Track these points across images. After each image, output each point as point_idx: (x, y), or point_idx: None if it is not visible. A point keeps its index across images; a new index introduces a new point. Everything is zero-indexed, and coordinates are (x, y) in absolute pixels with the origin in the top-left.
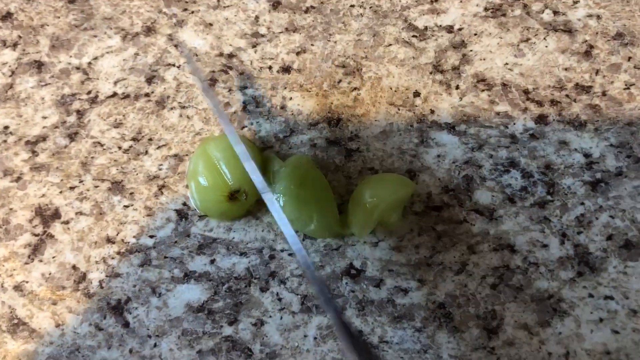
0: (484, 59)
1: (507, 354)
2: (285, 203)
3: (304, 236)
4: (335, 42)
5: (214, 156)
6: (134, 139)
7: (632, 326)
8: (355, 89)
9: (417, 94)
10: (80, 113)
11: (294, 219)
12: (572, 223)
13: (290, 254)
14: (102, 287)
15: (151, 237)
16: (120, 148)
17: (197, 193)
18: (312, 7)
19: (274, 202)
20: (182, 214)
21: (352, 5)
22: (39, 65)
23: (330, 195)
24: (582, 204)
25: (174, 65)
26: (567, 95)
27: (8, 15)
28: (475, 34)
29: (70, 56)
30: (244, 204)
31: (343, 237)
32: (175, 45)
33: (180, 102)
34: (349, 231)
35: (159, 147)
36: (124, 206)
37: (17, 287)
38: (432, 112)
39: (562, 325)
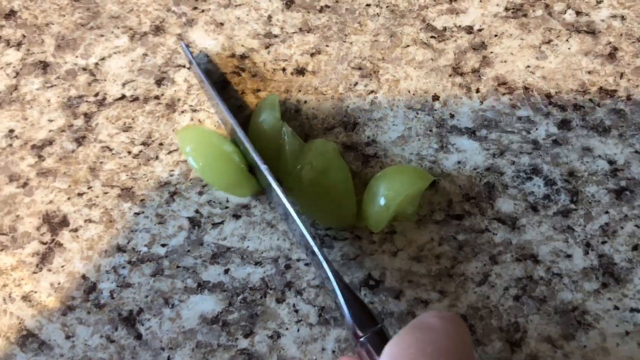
0: (505, 61)
1: None
2: (304, 187)
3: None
4: (351, 43)
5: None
6: (143, 144)
7: None
8: (372, 91)
9: (436, 98)
10: (87, 116)
11: (311, 205)
12: (596, 232)
13: (306, 264)
14: (113, 298)
15: (163, 245)
16: (129, 153)
17: (206, 160)
18: (327, 6)
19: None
20: (195, 222)
21: (368, 5)
22: (44, 66)
23: (351, 186)
24: (607, 212)
25: (184, 66)
26: (590, 100)
27: (12, 14)
28: (496, 35)
29: (77, 56)
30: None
31: (355, 228)
32: (187, 45)
33: (191, 105)
34: (364, 224)
35: (169, 152)
36: (135, 213)
37: (26, 297)
38: (452, 116)
39: (586, 338)
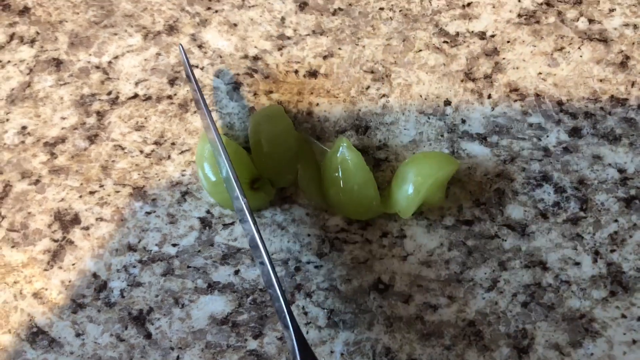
0: (517, 68)
1: None
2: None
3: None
4: (364, 46)
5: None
6: (156, 143)
7: None
8: (383, 95)
9: (447, 103)
10: (100, 114)
11: (339, 201)
12: (605, 241)
13: (316, 267)
14: (123, 297)
15: (174, 245)
16: (142, 152)
17: (209, 179)
18: (340, 9)
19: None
20: (206, 222)
21: (382, 8)
22: (57, 64)
23: (370, 175)
24: (616, 221)
25: (197, 66)
26: (601, 108)
27: (25, 10)
28: (508, 42)
29: (90, 54)
30: (266, 196)
31: (384, 215)
32: (199, 47)
33: None
34: (393, 210)
35: (181, 152)
36: (146, 212)
37: (36, 295)
38: (464, 121)
39: (594, 346)
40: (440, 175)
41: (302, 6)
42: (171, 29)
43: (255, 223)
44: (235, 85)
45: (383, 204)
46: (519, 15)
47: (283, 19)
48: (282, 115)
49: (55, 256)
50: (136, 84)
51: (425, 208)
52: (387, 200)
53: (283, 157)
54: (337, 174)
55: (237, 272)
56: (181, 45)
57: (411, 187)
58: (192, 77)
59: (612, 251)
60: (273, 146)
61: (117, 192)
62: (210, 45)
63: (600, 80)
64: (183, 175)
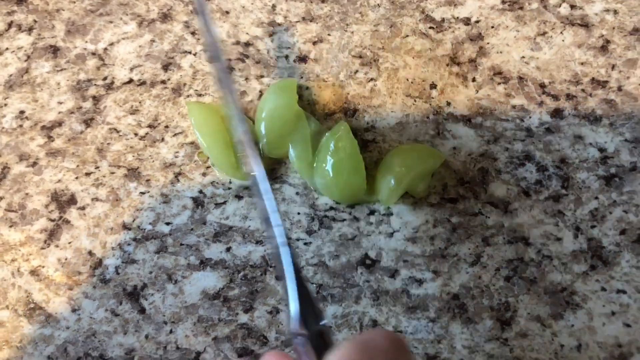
0: (501, 52)
1: (519, 345)
2: (320, 168)
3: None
4: (352, 32)
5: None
6: (150, 126)
7: None
8: (371, 79)
9: (433, 86)
10: (96, 99)
11: (324, 182)
12: (586, 217)
13: (305, 244)
14: (118, 273)
15: (167, 224)
16: (136, 135)
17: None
18: None
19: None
20: (199, 202)
21: None
22: (54, 50)
23: (360, 163)
24: (596, 198)
25: (190, 52)
26: (582, 90)
27: (23, 0)
28: (492, 27)
29: (86, 41)
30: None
31: (368, 203)
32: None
33: (196, 90)
34: (375, 198)
35: (175, 135)
36: (140, 193)
37: (34, 272)
38: (449, 104)
39: (574, 317)
40: (423, 168)
41: None
42: (165, 17)
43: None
44: (228, 70)
45: (367, 191)
46: (503, 2)
47: (274, 6)
48: (291, 89)
49: (52, 235)
50: (131, 69)
51: (408, 197)
52: (371, 188)
53: (279, 128)
54: (330, 157)
55: (228, 249)
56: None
57: (394, 178)
58: (212, 37)
59: (593, 227)
60: (272, 117)
61: (112, 173)
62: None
63: (582, 64)
64: (176, 156)
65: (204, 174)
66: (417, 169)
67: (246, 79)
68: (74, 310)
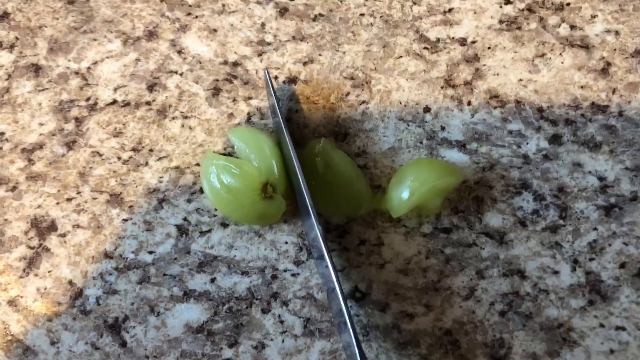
0: (498, 74)
1: None
2: (317, 187)
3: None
4: (344, 52)
5: (240, 149)
6: (134, 150)
7: None
8: (363, 102)
9: (427, 110)
10: (78, 120)
11: (328, 201)
12: (584, 249)
13: (293, 275)
14: (99, 304)
15: (150, 252)
16: (119, 159)
17: (219, 196)
18: (321, 14)
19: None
20: (183, 230)
21: (362, 14)
22: (36, 69)
23: (357, 172)
24: (595, 229)
25: (176, 72)
26: (582, 115)
27: (5, 16)
28: (489, 48)
29: (69, 60)
30: (280, 204)
31: (375, 212)
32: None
33: (182, 112)
34: (385, 207)
35: (159, 159)
36: (123, 220)
37: (12, 302)
38: (443, 128)
39: (571, 355)
40: (438, 184)
41: (283, 12)
42: (151, 35)
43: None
44: (215, 92)
45: (376, 200)
46: (501, 22)
47: (263, 24)
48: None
49: (31, 263)
50: (115, 89)
51: (414, 213)
52: (381, 196)
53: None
54: (322, 172)
55: (213, 280)
56: (266, 71)
57: (407, 190)
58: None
59: (591, 260)
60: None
61: (94, 199)
62: (190, 50)
63: (581, 87)
64: (160, 182)
65: (188, 200)
66: (431, 184)
67: (234, 100)
68: (52, 343)
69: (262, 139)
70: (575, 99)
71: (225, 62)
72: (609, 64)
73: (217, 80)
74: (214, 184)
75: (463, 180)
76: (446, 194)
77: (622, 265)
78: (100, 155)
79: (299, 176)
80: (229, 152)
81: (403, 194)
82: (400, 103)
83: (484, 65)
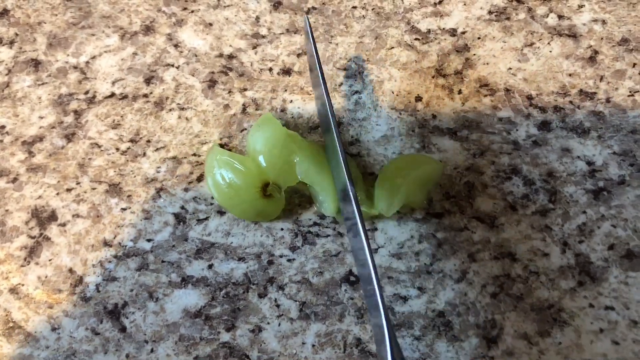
0: (487, 64)
1: None
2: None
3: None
4: (337, 44)
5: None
6: (131, 141)
7: (632, 337)
8: (356, 92)
9: (419, 99)
10: (77, 113)
11: (323, 201)
12: (573, 232)
13: (289, 260)
14: (98, 291)
15: (149, 240)
16: (117, 150)
17: (221, 190)
18: (314, 8)
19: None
20: (180, 218)
21: (354, 7)
22: (35, 64)
23: (358, 173)
24: (584, 212)
25: (172, 65)
26: (570, 102)
27: (4, 12)
28: (479, 38)
29: (68, 55)
30: (280, 202)
31: (370, 217)
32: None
33: (179, 104)
34: (376, 211)
35: (157, 150)
36: (122, 209)
37: (13, 290)
38: (434, 117)
39: (562, 335)
40: (421, 176)
41: (276, 5)
42: (147, 29)
43: (365, 232)
44: (210, 84)
45: (366, 205)
46: (490, 12)
47: (257, 18)
48: (272, 120)
49: (32, 252)
50: (113, 83)
51: (406, 209)
52: (369, 203)
53: (279, 155)
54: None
55: (210, 267)
56: (307, 17)
57: (392, 188)
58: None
59: (581, 242)
60: (269, 146)
61: (94, 189)
62: (186, 44)
63: (570, 75)
64: (158, 172)
65: (185, 189)
66: (414, 177)
67: (229, 92)
68: (53, 329)
69: (278, 138)
70: (564, 87)
71: (221, 55)
72: (596, 52)
73: (212, 72)
74: (217, 178)
75: (454, 167)
76: (429, 187)
77: (611, 247)
78: (99, 146)
79: (335, 136)
80: (225, 143)
81: (389, 192)
82: (393, 92)
83: (474, 55)
